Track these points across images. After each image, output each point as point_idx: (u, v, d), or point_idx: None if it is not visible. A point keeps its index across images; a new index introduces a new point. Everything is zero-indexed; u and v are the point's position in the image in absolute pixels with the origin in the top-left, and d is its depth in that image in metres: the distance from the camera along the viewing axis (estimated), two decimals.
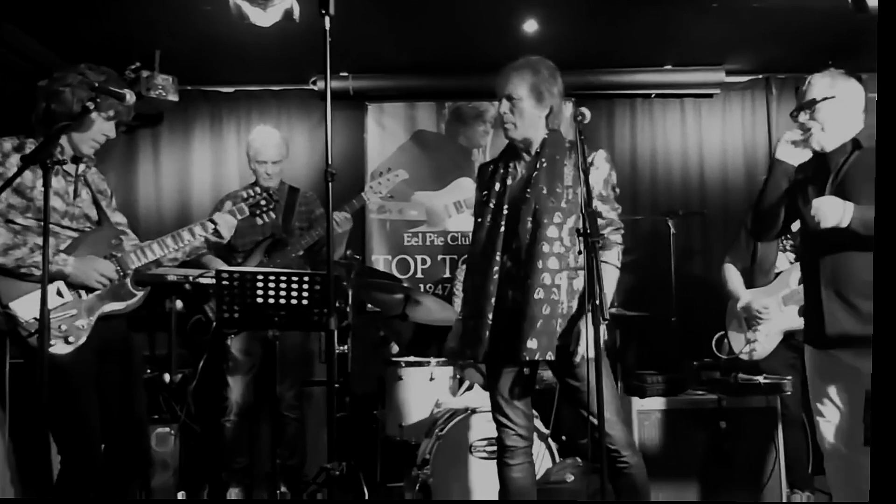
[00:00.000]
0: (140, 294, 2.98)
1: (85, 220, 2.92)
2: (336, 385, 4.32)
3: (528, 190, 2.77)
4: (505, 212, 2.79)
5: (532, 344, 2.66)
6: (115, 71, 2.92)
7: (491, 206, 2.83)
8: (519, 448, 2.87)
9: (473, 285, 2.84)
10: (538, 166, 2.79)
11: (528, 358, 2.68)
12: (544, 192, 2.74)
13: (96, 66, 2.89)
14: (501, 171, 2.87)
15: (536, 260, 2.69)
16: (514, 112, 2.81)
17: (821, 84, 2.88)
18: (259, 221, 3.35)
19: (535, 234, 2.72)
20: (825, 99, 2.84)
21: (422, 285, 5.51)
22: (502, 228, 2.78)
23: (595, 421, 2.65)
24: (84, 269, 2.79)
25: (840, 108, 2.84)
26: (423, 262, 5.61)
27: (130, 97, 2.76)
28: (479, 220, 2.86)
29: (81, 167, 2.95)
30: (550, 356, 2.69)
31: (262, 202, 3.29)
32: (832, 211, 2.68)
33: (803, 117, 2.87)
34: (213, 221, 3.12)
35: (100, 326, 2.86)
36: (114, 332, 2.94)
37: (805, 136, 2.88)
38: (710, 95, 5.64)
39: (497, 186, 2.83)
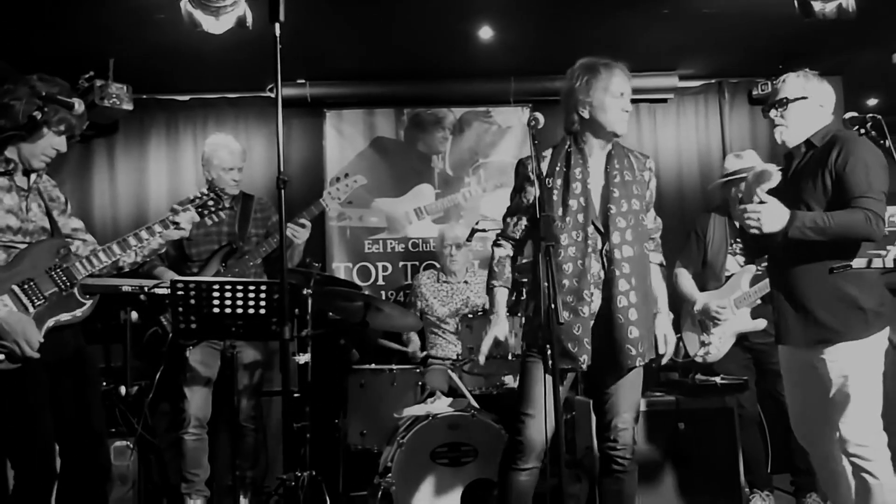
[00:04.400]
0: (89, 303, 2.92)
1: (41, 233, 2.88)
2: (296, 395, 4.31)
3: (614, 191, 2.82)
4: (590, 214, 2.80)
5: (635, 350, 2.75)
6: (67, 83, 2.88)
7: (572, 205, 2.80)
8: (534, 453, 2.81)
9: (567, 288, 2.75)
10: (617, 168, 2.86)
11: (631, 365, 2.76)
12: (623, 194, 2.83)
13: (50, 77, 2.85)
14: (578, 169, 2.84)
15: (622, 264, 2.77)
16: (629, 109, 2.88)
17: (795, 84, 2.97)
18: (209, 222, 3.29)
19: (621, 238, 2.80)
20: (797, 99, 2.93)
21: (383, 292, 5.50)
22: (591, 229, 2.79)
23: (618, 424, 2.80)
24: (11, 326, 2.69)
25: (809, 108, 2.94)
26: (385, 269, 5.60)
27: (79, 106, 2.72)
28: (562, 218, 2.79)
29: (33, 177, 2.91)
30: (649, 356, 2.82)
31: (210, 202, 3.25)
32: (775, 217, 2.74)
33: (773, 114, 2.97)
34: (172, 221, 3.09)
35: (51, 338, 2.80)
36: (66, 343, 2.89)
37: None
38: (665, 100, 5.72)
39: (577, 188, 2.81)
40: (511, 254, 2.97)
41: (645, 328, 2.80)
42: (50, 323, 2.81)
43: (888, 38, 5.12)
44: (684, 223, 5.33)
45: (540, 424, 2.76)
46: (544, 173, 2.86)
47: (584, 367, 2.75)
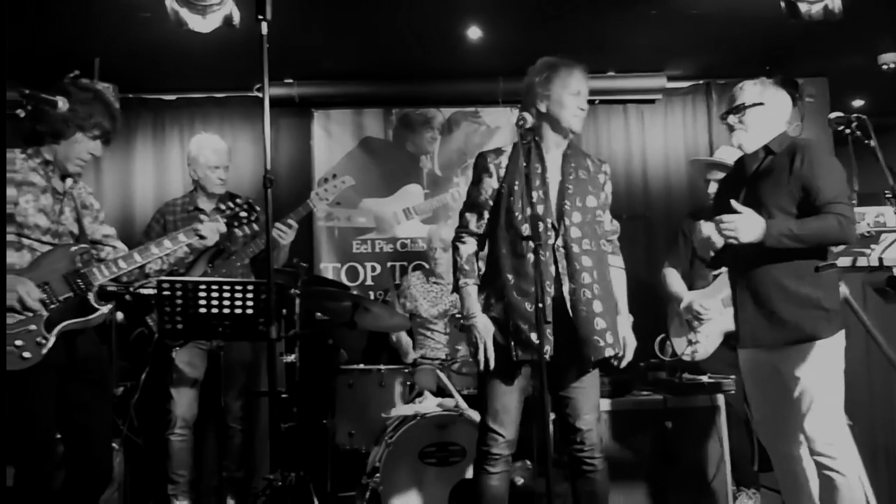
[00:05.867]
0: (103, 309, 2.91)
1: (69, 237, 2.90)
2: (284, 395, 4.29)
3: (569, 187, 2.85)
4: (548, 206, 2.82)
5: (603, 341, 2.77)
6: (99, 89, 2.91)
7: (533, 198, 2.76)
8: (503, 457, 2.85)
9: (525, 281, 2.77)
10: (573, 166, 2.89)
11: (598, 357, 2.77)
12: (578, 191, 2.87)
13: (83, 84, 2.93)
14: (537, 165, 2.85)
15: (581, 258, 2.79)
16: (585, 108, 2.92)
17: (752, 91, 3.02)
18: (239, 233, 3.23)
19: (580, 232, 2.83)
20: (754, 105, 2.98)
21: (371, 293, 5.49)
22: (548, 222, 2.81)
23: (582, 427, 2.80)
24: (11, 286, 2.70)
25: (765, 114, 2.99)
26: (373, 269, 5.60)
27: (63, 104, 2.71)
28: (523, 210, 2.81)
29: (69, 182, 2.94)
30: (617, 350, 2.84)
31: (242, 213, 3.18)
32: (751, 227, 2.77)
33: (732, 119, 3.02)
34: (196, 230, 3.06)
35: (62, 342, 2.79)
36: (78, 347, 2.88)
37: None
38: (653, 101, 5.74)
39: (537, 181, 2.82)
40: (477, 249, 2.98)
41: (611, 320, 2.82)
42: (60, 327, 2.80)
43: (874, 40, 5.15)
44: (672, 223, 5.36)
45: (509, 436, 2.83)
46: (504, 168, 2.90)
47: (548, 357, 2.72)
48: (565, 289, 2.78)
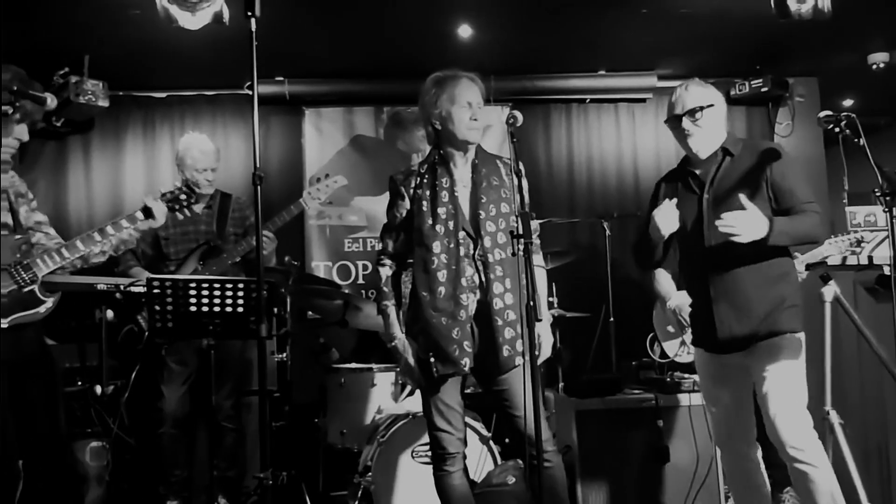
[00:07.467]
0: (49, 301, 2.86)
1: (2, 228, 2.83)
2: (276, 394, 4.28)
3: (482, 197, 2.84)
4: (460, 221, 2.83)
5: (511, 350, 2.76)
6: (24, 71, 2.82)
7: (441, 213, 2.83)
8: (459, 454, 2.88)
9: (444, 294, 2.78)
10: (483, 174, 2.89)
11: (506, 366, 2.76)
12: (492, 199, 2.86)
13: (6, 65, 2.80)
14: (445, 179, 2.88)
15: (495, 267, 2.79)
16: (479, 117, 2.90)
17: (700, 92, 2.97)
18: (179, 217, 3.24)
19: (493, 242, 2.82)
20: (709, 106, 2.94)
21: (363, 291, 5.48)
22: (462, 235, 2.82)
23: (520, 415, 2.73)
24: None
25: (717, 115, 2.96)
26: (364, 267, 5.59)
27: (52, 101, 2.68)
28: (432, 227, 2.83)
29: None
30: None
31: (182, 196, 3.19)
32: (757, 225, 2.73)
33: (686, 123, 2.95)
34: (143, 209, 3.04)
35: (9, 337, 2.75)
36: (27, 342, 2.84)
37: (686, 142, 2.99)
38: (643, 100, 5.75)
39: (445, 196, 2.85)
40: (396, 271, 2.98)
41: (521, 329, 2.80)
42: (7, 321, 2.76)
43: (864, 40, 5.18)
44: None
45: (459, 433, 2.84)
46: (413, 189, 2.91)
47: (467, 369, 2.76)
48: (486, 298, 2.80)
